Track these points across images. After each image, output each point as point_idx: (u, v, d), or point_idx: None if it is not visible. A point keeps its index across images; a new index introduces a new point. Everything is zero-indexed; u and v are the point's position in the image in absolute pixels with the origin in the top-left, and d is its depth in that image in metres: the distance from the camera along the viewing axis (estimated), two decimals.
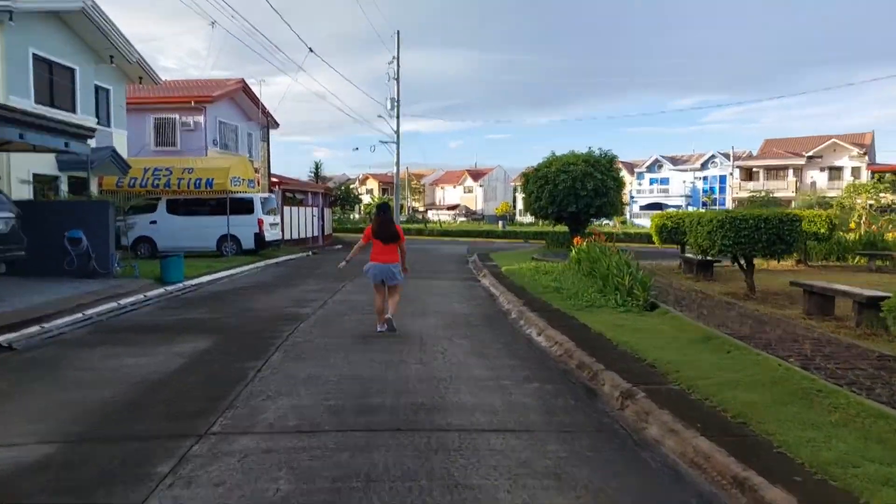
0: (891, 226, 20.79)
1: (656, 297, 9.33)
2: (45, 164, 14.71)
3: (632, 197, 59.06)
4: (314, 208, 29.39)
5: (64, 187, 15.50)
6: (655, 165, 61.97)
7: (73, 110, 15.57)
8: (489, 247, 28.95)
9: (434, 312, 9.23)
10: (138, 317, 8.99)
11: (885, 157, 51.75)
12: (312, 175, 47.83)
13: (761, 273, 12.28)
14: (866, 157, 47.28)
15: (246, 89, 26.07)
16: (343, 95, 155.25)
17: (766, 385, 4.65)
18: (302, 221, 27.07)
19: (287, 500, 3.16)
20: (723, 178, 56.35)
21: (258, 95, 26.26)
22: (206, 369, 5.87)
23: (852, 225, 21.73)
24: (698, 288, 11.39)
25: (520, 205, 57.16)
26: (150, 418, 4.46)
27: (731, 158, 53.69)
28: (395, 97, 31.71)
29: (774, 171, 51.92)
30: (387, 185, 70.15)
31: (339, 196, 39.65)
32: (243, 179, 19.49)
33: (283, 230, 22.68)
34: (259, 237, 19.04)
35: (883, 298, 6.84)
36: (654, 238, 17.55)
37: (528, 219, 51.99)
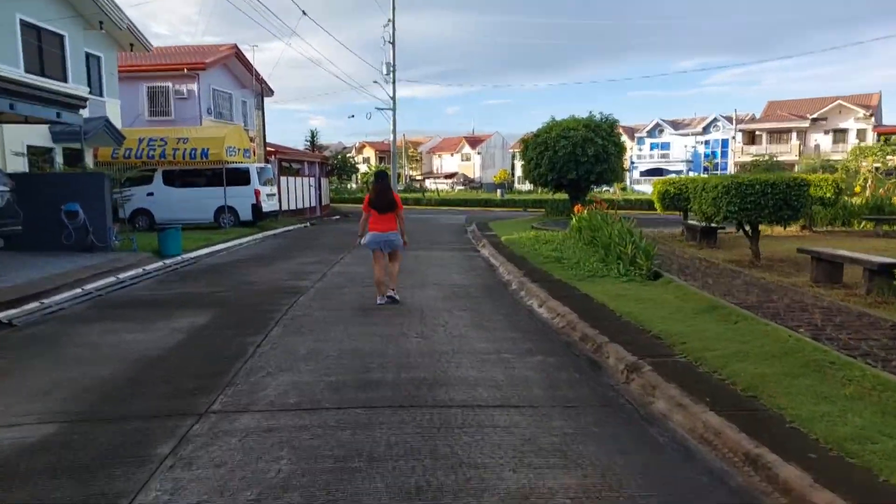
0: None
1: (659, 265, 9.22)
2: (40, 135, 14.43)
3: (632, 163, 58.50)
4: (311, 178, 29.07)
5: (59, 159, 15.25)
6: (656, 130, 61.16)
7: (65, 79, 15.20)
8: (488, 216, 28.76)
9: (433, 284, 9.14)
10: (137, 291, 8.90)
11: (892, 118, 51.23)
12: (308, 144, 47.25)
13: (765, 239, 12.15)
14: (872, 119, 46.53)
15: (239, 55, 25.50)
16: (338, 61, 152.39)
17: (777, 357, 4.55)
18: (299, 192, 26.80)
19: (288, 481, 3.11)
20: (725, 143, 55.69)
21: (251, 62, 25.72)
22: (205, 345, 5.80)
23: (857, 189, 21.49)
24: (702, 255, 11.27)
25: (518, 172, 56.61)
26: (150, 396, 4.39)
27: (734, 122, 52.91)
28: (391, 62, 31.06)
29: (777, 135, 51.29)
30: (383, 153, 69.42)
31: (335, 165, 39.16)
32: (239, 149, 19.20)
33: (280, 201, 22.48)
34: (256, 208, 18.88)
35: (894, 265, 6.73)
36: (657, 205, 17.35)
37: (527, 186, 51.60)
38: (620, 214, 12.78)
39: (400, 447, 3.48)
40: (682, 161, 57.46)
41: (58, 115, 10.78)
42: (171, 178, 18.85)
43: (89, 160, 16.35)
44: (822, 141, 48.58)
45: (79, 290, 8.38)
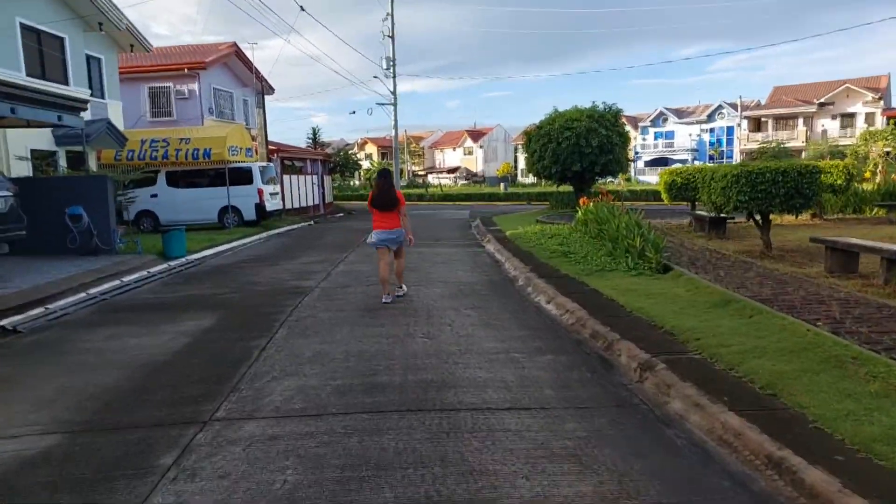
0: None
1: (669, 258, 9.06)
2: (43, 139, 14.40)
3: (636, 153, 58.03)
4: (314, 176, 28.98)
5: (62, 163, 15.21)
6: (660, 119, 60.69)
7: (66, 81, 15.14)
8: (491, 210, 28.60)
9: (439, 282, 9.03)
10: (142, 294, 8.85)
11: None
12: (310, 141, 47.07)
13: (775, 228, 11.94)
14: (881, 103, 45.78)
15: (239, 53, 25.38)
16: (338, 57, 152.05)
17: (795, 352, 4.40)
18: (302, 190, 26.73)
19: (294, 493, 3.01)
20: (730, 130, 55.20)
21: (251, 59, 25.62)
22: (210, 349, 5.72)
23: (867, 174, 21.19)
24: (712, 247, 11.09)
25: (522, 165, 56.28)
26: (154, 404, 4.31)
27: (739, 108, 52.40)
28: (391, 56, 30.85)
29: (784, 121, 50.72)
30: (385, 149, 69.24)
31: (338, 162, 38.98)
32: (241, 148, 19.12)
33: (283, 199, 22.40)
34: (260, 207, 18.82)
35: None
36: (664, 195, 17.14)
37: (531, 179, 51.34)
38: (627, 206, 12.62)
39: (408, 454, 3.38)
40: (686, 150, 57.02)
41: (59, 118, 10.71)
42: (175, 179, 18.81)
43: (92, 163, 16.32)
44: (830, 126, 47.95)
45: (83, 295, 8.34)
